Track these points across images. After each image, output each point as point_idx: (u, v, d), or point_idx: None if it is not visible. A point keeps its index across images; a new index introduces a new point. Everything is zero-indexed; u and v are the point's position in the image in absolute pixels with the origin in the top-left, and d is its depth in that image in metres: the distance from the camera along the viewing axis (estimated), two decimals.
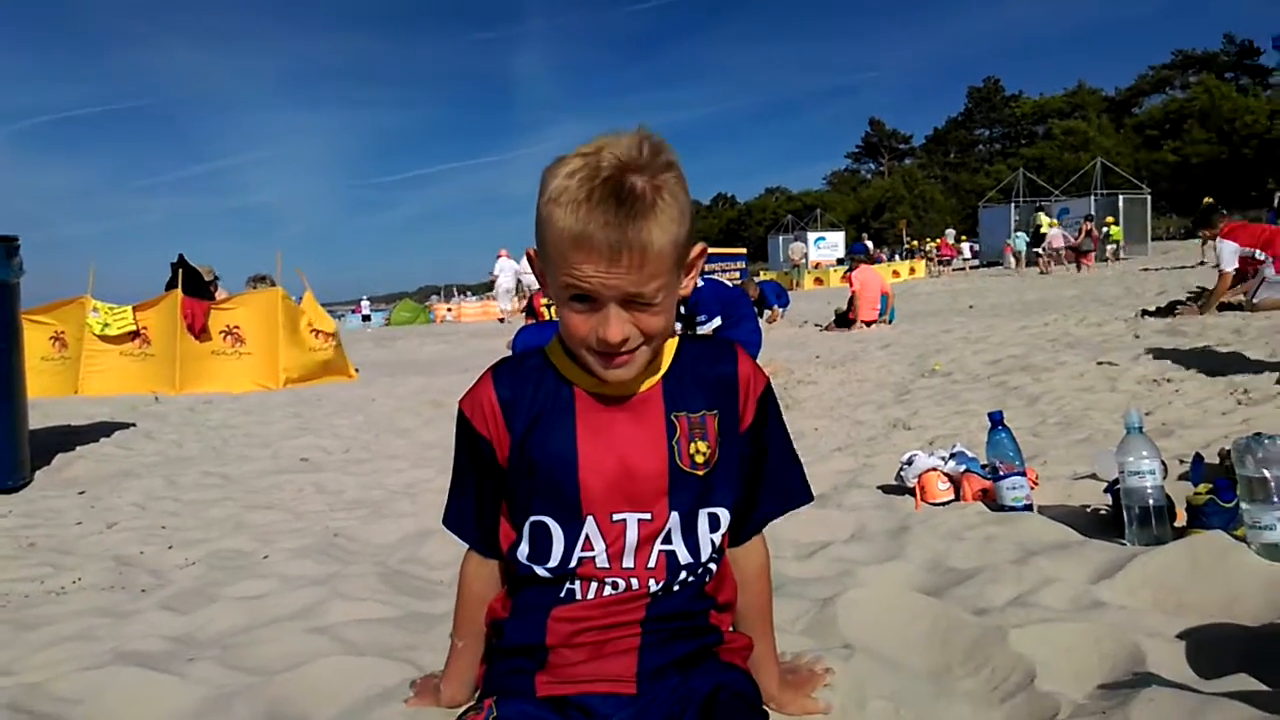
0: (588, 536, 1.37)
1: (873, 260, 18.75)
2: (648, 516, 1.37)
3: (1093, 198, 35.46)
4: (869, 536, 2.87)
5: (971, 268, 35.40)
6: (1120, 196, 34.76)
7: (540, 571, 1.40)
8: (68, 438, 6.28)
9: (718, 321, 7.19)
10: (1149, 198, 35.93)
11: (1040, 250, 27.73)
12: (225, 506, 4.09)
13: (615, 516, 1.37)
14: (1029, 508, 2.85)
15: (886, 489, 3.39)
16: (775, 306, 14.43)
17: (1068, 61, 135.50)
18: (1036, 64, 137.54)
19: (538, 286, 9.12)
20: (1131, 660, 1.74)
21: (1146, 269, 21.61)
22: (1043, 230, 28.67)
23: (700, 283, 7.43)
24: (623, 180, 1.21)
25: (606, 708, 1.33)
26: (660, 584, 1.37)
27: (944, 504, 3.06)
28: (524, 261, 25.02)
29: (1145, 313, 9.22)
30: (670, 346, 1.46)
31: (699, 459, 1.39)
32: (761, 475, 1.52)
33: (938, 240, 41.33)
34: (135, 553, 3.31)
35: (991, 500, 2.98)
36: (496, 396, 1.43)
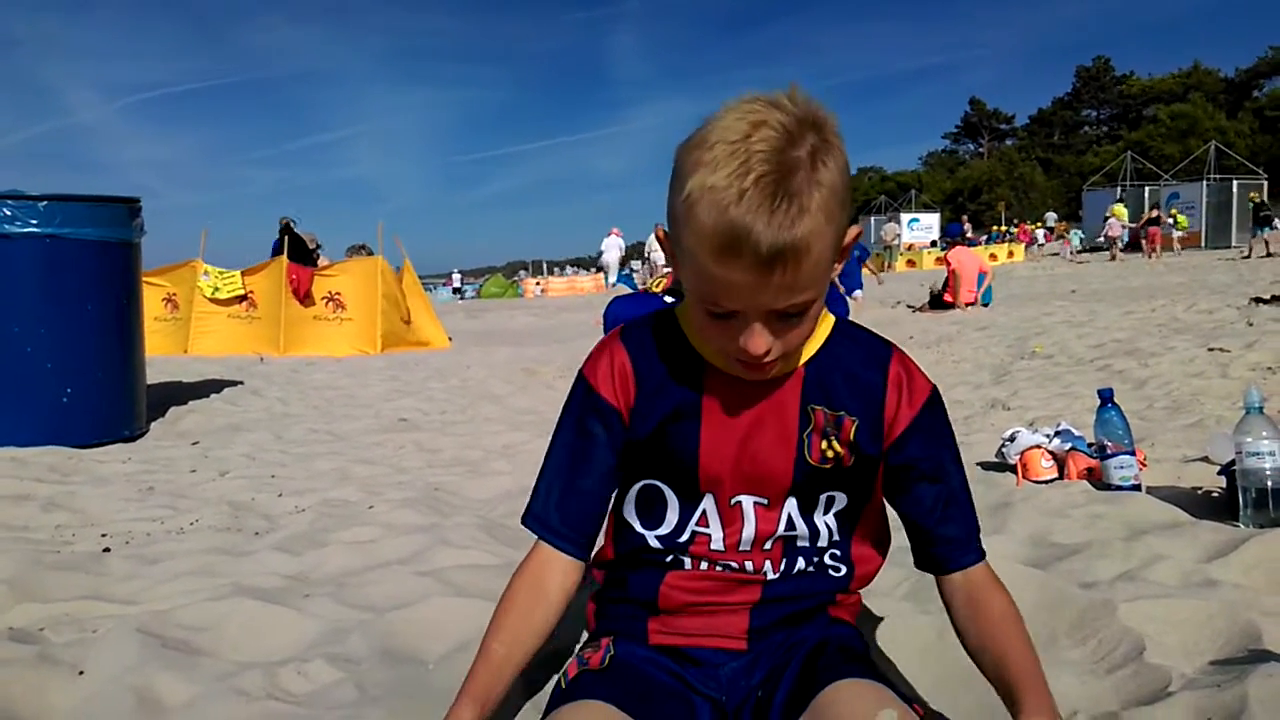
0: (705, 512, 1.32)
1: (969, 241, 18.34)
2: (765, 501, 1.31)
3: (1205, 183, 33.97)
4: None
5: (1047, 255, 34.34)
6: (1235, 182, 33.20)
7: (651, 540, 1.35)
8: (180, 393, 6.56)
9: None
10: (1265, 183, 34.26)
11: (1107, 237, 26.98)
12: (331, 460, 4.24)
13: (732, 500, 1.31)
14: (1137, 488, 2.78)
15: (986, 465, 3.34)
16: (859, 293, 14.19)
17: (1182, 41, 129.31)
18: (1149, 44, 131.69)
19: (662, 262, 9.14)
20: (1246, 638, 1.70)
21: (1263, 256, 20.72)
22: (1107, 216, 27.88)
23: None
24: (779, 179, 1.03)
25: (717, 659, 1.35)
26: (777, 571, 1.36)
27: (1047, 482, 3.00)
28: (651, 239, 25.40)
29: (1258, 300, 8.84)
30: (822, 330, 1.33)
31: (829, 454, 1.30)
32: (948, 499, 1.36)
33: (1018, 225, 40.39)
34: (248, 499, 3.46)
35: (1097, 479, 2.91)
36: (629, 359, 1.33)
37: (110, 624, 2.04)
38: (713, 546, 1.32)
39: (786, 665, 1.29)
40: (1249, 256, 20.97)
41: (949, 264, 12.01)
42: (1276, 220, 23.01)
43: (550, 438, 1.40)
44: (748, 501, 1.31)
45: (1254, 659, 1.58)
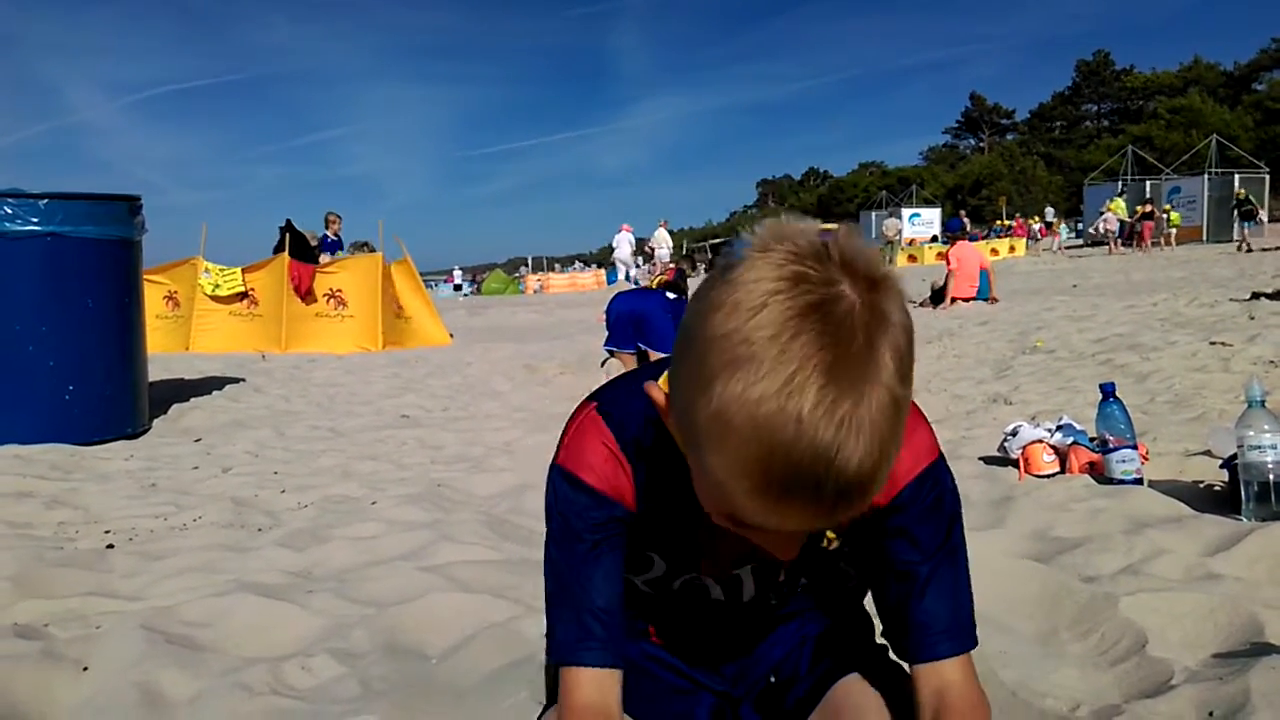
0: (699, 574, 1.22)
1: (969, 236, 18.37)
2: (758, 565, 1.22)
3: (1206, 176, 33.92)
4: (971, 505, 2.83)
5: (1043, 250, 34.86)
6: (1236, 175, 33.16)
7: (639, 584, 1.22)
8: (182, 390, 6.57)
9: None
10: (1267, 176, 34.23)
11: (1097, 231, 28.44)
12: (333, 456, 4.25)
13: (733, 573, 1.23)
14: (1139, 481, 2.78)
15: (988, 460, 3.34)
16: None
17: (1183, 35, 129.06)
18: (1149, 38, 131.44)
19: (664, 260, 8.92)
20: (1248, 630, 1.70)
21: (1247, 251, 20.75)
22: (1103, 211, 28.87)
23: None
24: (846, 396, 0.77)
25: (722, 659, 1.34)
26: (779, 599, 1.34)
27: (1049, 476, 3.00)
28: (658, 233, 24.98)
29: (1259, 295, 8.83)
30: None
31: (830, 541, 1.17)
32: (926, 586, 1.11)
33: (1015, 219, 41.23)
34: (251, 495, 3.47)
35: (1099, 473, 2.91)
36: (623, 453, 1.11)
37: (114, 620, 2.05)
38: (712, 595, 1.24)
39: (799, 652, 1.28)
40: (1250, 250, 21.22)
41: (949, 260, 12.02)
42: (1261, 215, 23.75)
43: (548, 544, 1.14)
44: (745, 570, 1.21)
45: (1256, 652, 1.58)
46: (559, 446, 1.13)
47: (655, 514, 1.11)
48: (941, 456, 1.11)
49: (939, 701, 1.06)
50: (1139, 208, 27.62)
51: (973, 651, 1.11)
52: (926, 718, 1.06)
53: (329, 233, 14.27)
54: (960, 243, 12.38)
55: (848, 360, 0.78)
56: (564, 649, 1.11)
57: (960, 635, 1.08)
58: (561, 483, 1.11)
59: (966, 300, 11.49)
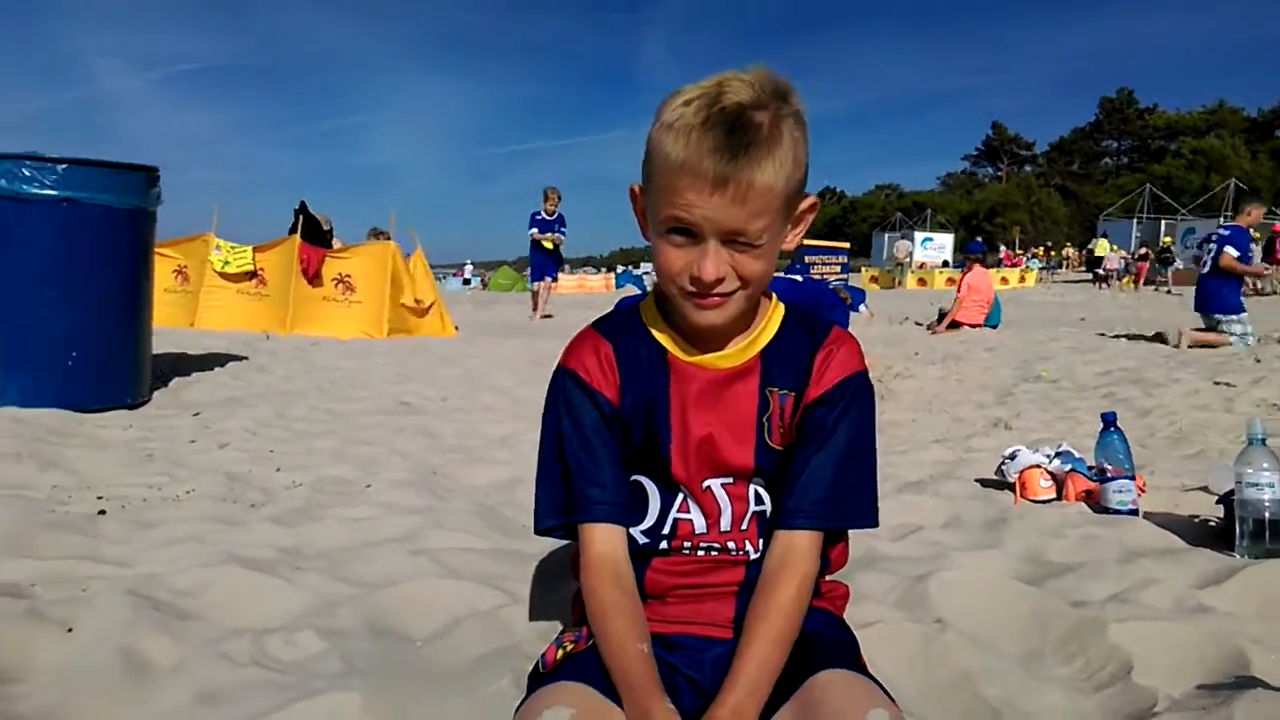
0: (684, 499, 1.37)
1: (987, 262, 18.26)
2: (730, 480, 1.36)
3: (1221, 219, 33.95)
4: (964, 525, 2.83)
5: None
6: None
7: (637, 535, 1.38)
8: (184, 364, 6.57)
9: None
10: None
11: (1099, 270, 32.02)
12: (330, 439, 4.24)
13: (704, 484, 1.36)
14: (1134, 513, 2.77)
15: (985, 482, 3.33)
16: (863, 307, 14.11)
17: (1207, 78, 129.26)
18: (1174, 79, 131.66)
19: None
20: (1234, 664, 1.69)
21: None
22: (1096, 252, 32.99)
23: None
24: (740, 112, 1.18)
25: (702, 645, 1.34)
26: (758, 551, 1.37)
27: (1044, 501, 3.00)
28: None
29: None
30: (776, 318, 1.40)
31: (785, 434, 1.36)
32: (810, 466, 1.33)
33: (1003, 251, 43.60)
34: (245, 471, 3.47)
35: (1095, 502, 2.91)
36: (611, 346, 1.39)
37: (101, 585, 2.05)
38: (696, 530, 1.37)
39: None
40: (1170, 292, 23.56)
41: (960, 286, 11.93)
42: (1178, 261, 28.62)
43: (542, 437, 1.42)
44: (716, 484, 1.36)
45: (1240, 685, 1.57)
46: (564, 354, 1.43)
47: (634, 400, 1.36)
48: (866, 371, 1.39)
49: (782, 559, 1.30)
50: (1134, 251, 33.22)
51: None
52: (770, 568, 1.30)
53: (544, 211, 14.20)
54: (976, 268, 12.24)
55: (752, 105, 1.19)
56: (579, 509, 1.34)
57: (816, 516, 1.32)
58: (563, 378, 1.40)
59: (973, 326, 11.41)
